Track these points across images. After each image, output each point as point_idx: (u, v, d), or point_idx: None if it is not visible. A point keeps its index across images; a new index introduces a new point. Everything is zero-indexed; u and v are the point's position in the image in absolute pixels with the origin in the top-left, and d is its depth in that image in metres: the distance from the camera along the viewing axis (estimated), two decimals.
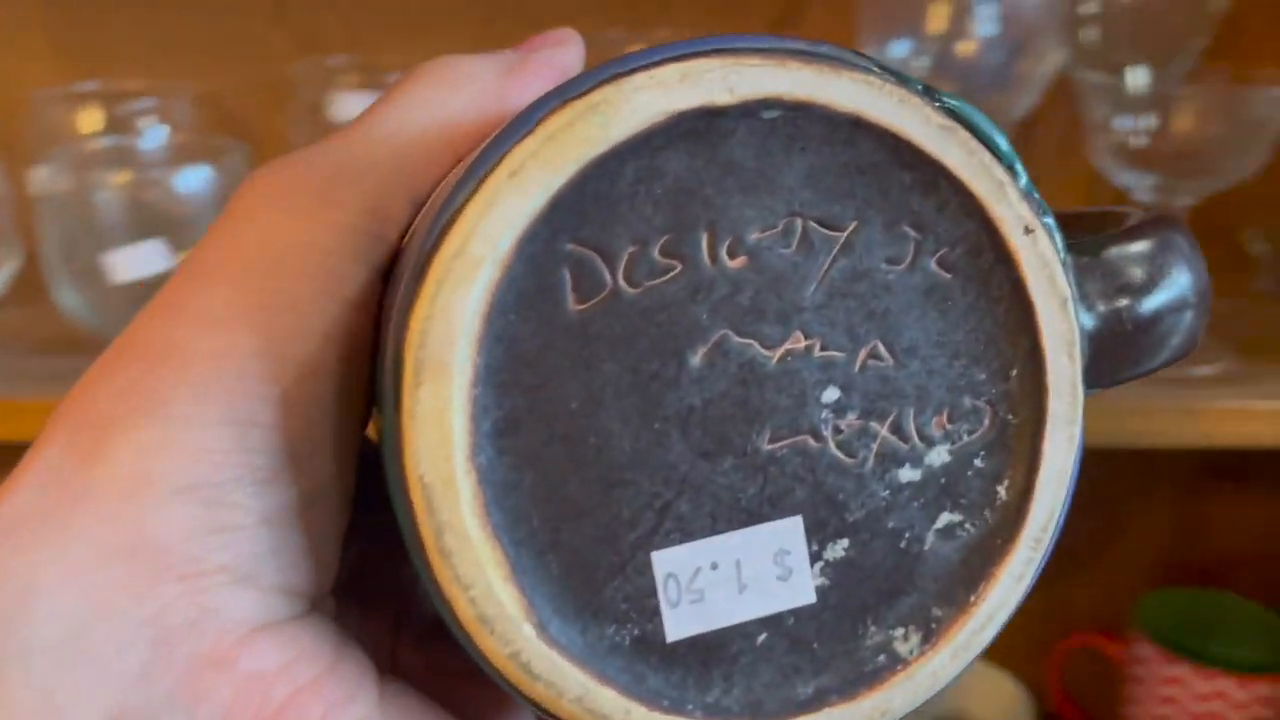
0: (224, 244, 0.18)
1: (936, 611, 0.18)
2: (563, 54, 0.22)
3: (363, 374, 0.18)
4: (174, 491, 0.17)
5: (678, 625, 0.17)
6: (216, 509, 0.17)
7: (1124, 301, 0.19)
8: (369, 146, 0.20)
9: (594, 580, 0.17)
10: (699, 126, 0.16)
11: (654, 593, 0.17)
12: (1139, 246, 0.19)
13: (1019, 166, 0.17)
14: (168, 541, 0.17)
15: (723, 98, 0.16)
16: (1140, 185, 0.58)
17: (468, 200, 0.16)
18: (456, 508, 0.16)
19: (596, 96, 0.16)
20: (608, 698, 0.17)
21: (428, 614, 0.23)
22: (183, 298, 0.18)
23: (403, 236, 0.19)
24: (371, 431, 0.20)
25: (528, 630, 0.16)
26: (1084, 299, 0.18)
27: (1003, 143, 0.17)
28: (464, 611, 0.16)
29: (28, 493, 0.17)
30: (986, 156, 0.17)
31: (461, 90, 0.21)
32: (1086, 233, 0.19)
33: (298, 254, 0.18)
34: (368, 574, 0.22)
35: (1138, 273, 0.19)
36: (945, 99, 0.17)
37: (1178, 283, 0.19)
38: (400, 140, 0.20)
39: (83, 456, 0.17)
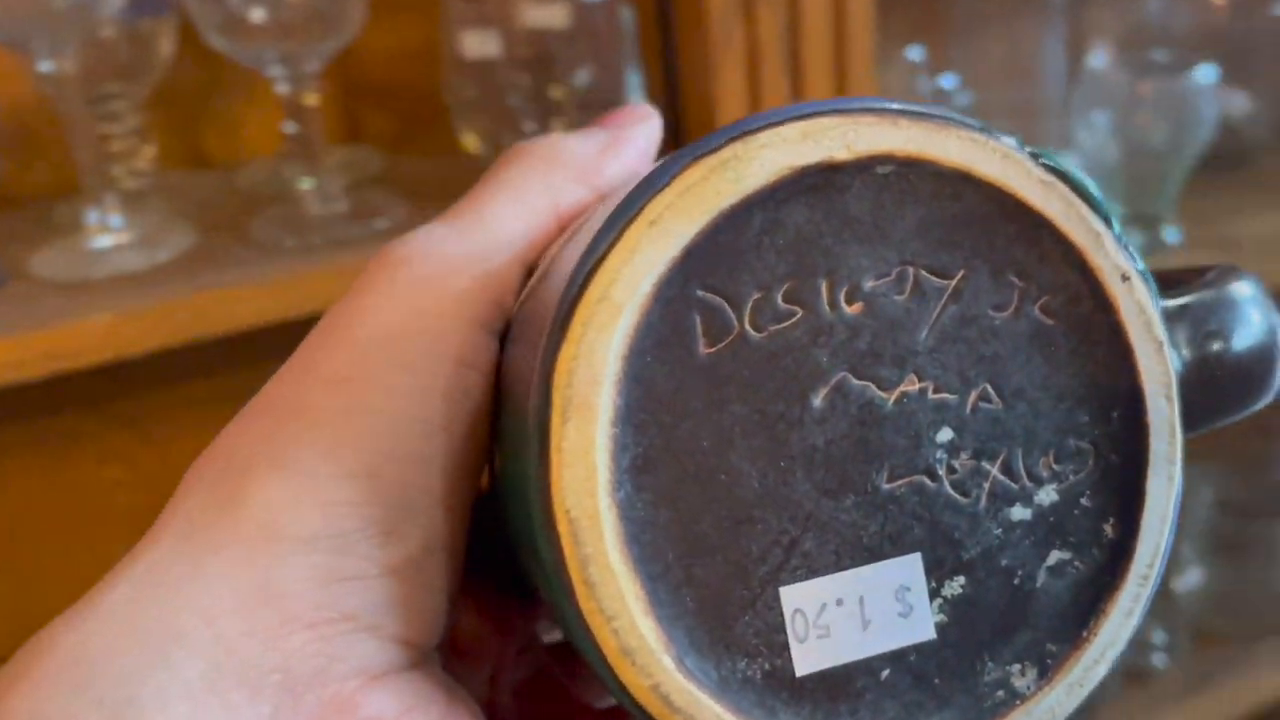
0: (353, 311, 0.20)
1: (1051, 647, 0.18)
2: (647, 129, 0.24)
3: (477, 433, 0.19)
4: (302, 541, 0.17)
5: (806, 660, 0.17)
6: (342, 558, 0.17)
7: (1213, 346, 0.19)
8: (487, 220, 0.21)
9: (726, 615, 0.17)
10: (819, 181, 0.17)
11: (783, 628, 0.17)
12: (1219, 293, 0.20)
13: (1113, 217, 0.18)
14: (296, 590, 0.17)
15: (841, 154, 0.17)
16: None
17: (610, 248, 0.17)
18: (600, 541, 0.16)
19: (727, 153, 0.17)
20: None
21: (523, 674, 0.24)
22: (313, 360, 0.19)
23: (516, 298, 0.20)
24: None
25: (668, 663, 0.16)
26: (1175, 345, 0.19)
27: (1098, 195, 0.18)
28: (607, 643, 0.16)
29: (169, 541, 0.18)
30: (1084, 209, 0.18)
31: (567, 168, 0.23)
32: (1166, 284, 0.20)
33: (420, 319, 0.19)
34: (468, 632, 0.23)
35: (1220, 319, 0.20)
36: (1044, 155, 0.18)
37: (1259, 329, 0.20)
38: (513, 214, 0.21)
39: (220, 507, 0.18)
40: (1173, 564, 0.87)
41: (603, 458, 0.16)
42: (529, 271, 0.21)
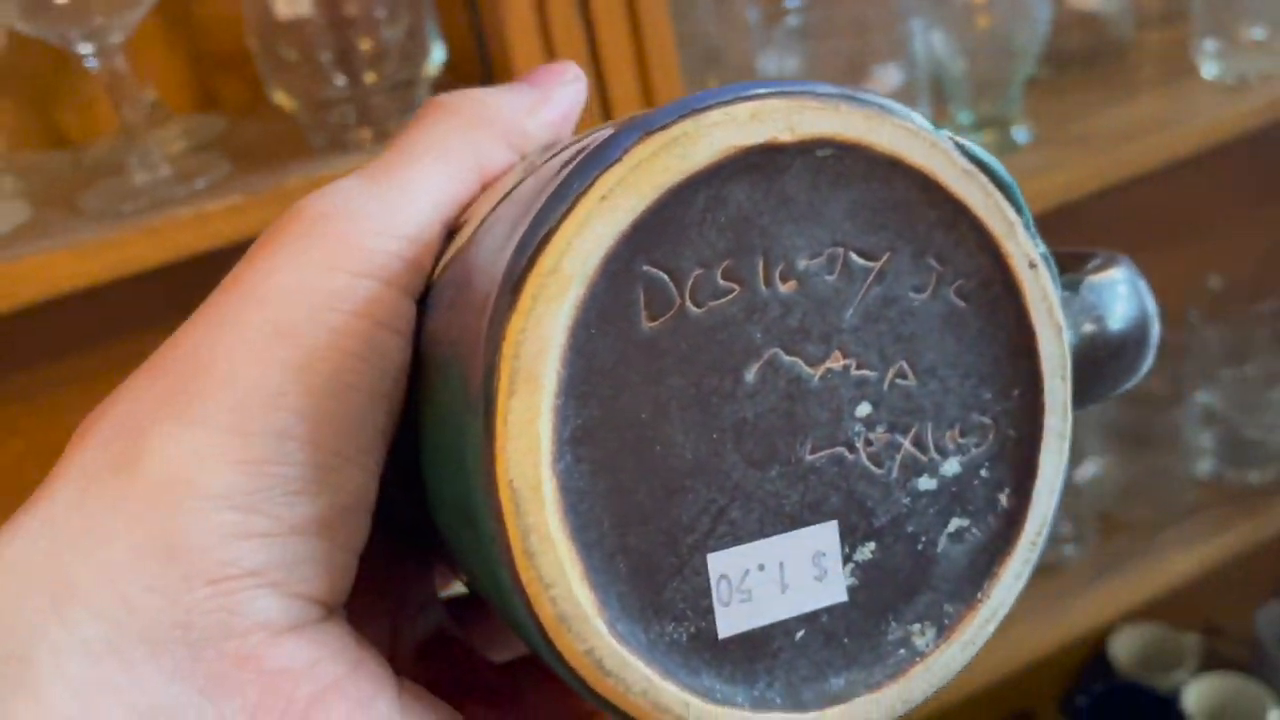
0: (265, 267, 0.19)
1: (949, 608, 0.19)
2: (572, 90, 0.24)
3: (392, 395, 0.19)
4: (209, 498, 0.17)
5: (729, 623, 0.18)
6: (250, 516, 0.17)
7: (1099, 329, 0.21)
8: (408, 179, 0.21)
9: (656, 581, 0.17)
10: (761, 161, 0.17)
11: (708, 593, 0.18)
12: (1108, 281, 0.21)
13: (1024, 206, 0.19)
14: (201, 545, 0.17)
15: (784, 136, 0.17)
16: None
17: (562, 220, 0.17)
18: (541, 511, 0.16)
19: (677, 130, 0.17)
20: (669, 692, 0.17)
21: (422, 631, 0.24)
22: (224, 316, 0.19)
23: (438, 260, 0.20)
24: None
25: (601, 627, 0.17)
26: (1069, 327, 0.20)
27: (1013, 185, 0.19)
28: (544, 610, 0.17)
29: (64, 495, 0.17)
30: (1000, 198, 0.19)
31: (492, 126, 0.22)
32: (1059, 268, 0.21)
33: (335, 278, 0.19)
34: (368, 589, 0.23)
35: (1107, 304, 0.21)
36: (969, 147, 0.19)
37: (1138, 312, 0.21)
38: (434, 173, 0.21)
39: (120, 462, 0.18)
40: (1077, 454, 0.89)
41: (546, 429, 0.16)
42: (451, 232, 0.21)
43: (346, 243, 0.19)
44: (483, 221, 0.20)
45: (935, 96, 0.78)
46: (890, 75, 0.67)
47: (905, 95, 0.70)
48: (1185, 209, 1.04)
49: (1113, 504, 0.96)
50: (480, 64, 0.62)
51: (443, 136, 0.21)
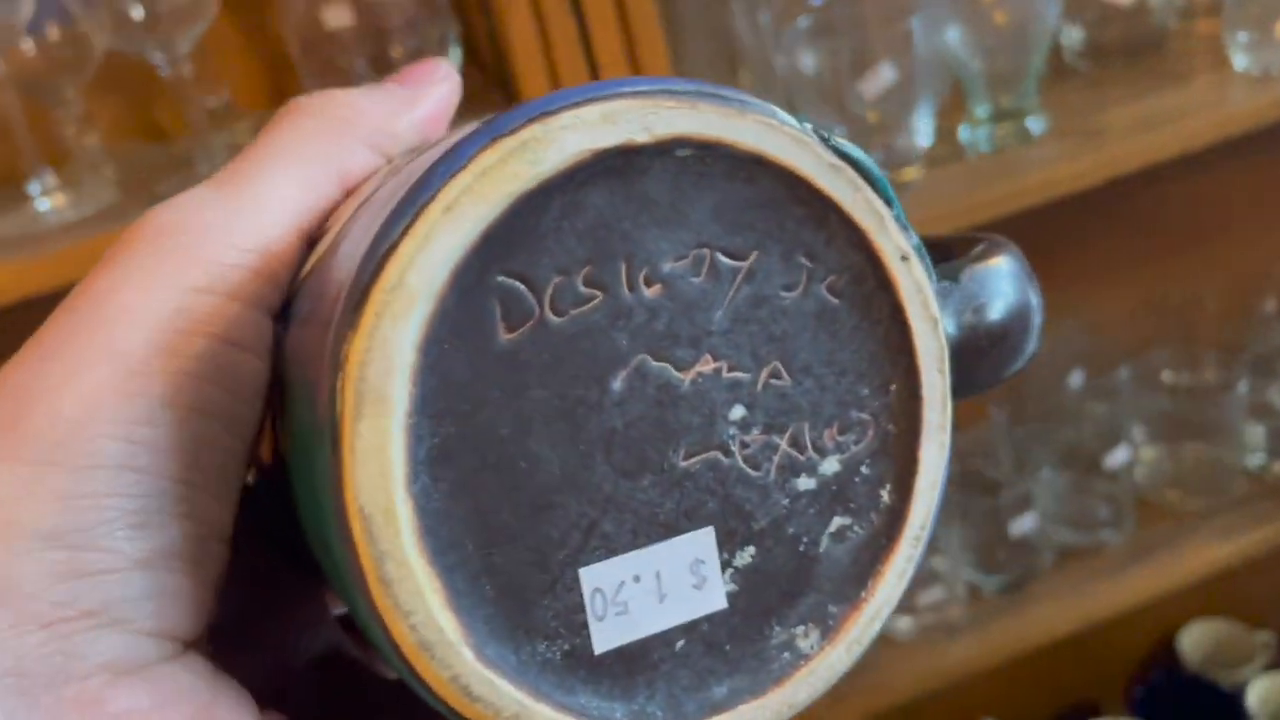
0: (101, 288, 0.18)
1: (832, 609, 0.19)
2: (442, 90, 0.23)
3: (249, 416, 0.19)
4: (39, 537, 0.16)
5: (604, 638, 0.18)
6: (85, 553, 0.17)
7: (979, 318, 0.20)
8: (261, 187, 0.19)
9: (526, 600, 0.17)
10: (618, 164, 0.17)
11: (582, 608, 0.17)
12: (986, 267, 0.21)
13: (894, 199, 0.19)
14: (31, 588, 0.16)
15: (640, 137, 0.17)
16: None
17: (404, 234, 0.16)
18: (396, 537, 0.16)
19: (526, 134, 0.16)
20: (542, 713, 0.17)
21: (315, 649, 0.23)
22: (56, 343, 0.18)
23: (297, 273, 0.20)
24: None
25: (467, 653, 0.17)
26: (946, 318, 0.20)
27: (882, 178, 0.19)
28: (404, 638, 0.16)
29: None
30: (869, 192, 0.18)
31: (354, 128, 0.21)
32: (934, 257, 0.21)
33: (180, 296, 0.18)
34: (251, 612, 0.22)
35: (988, 292, 0.21)
36: (834, 140, 0.19)
37: (1020, 298, 0.21)
38: (290, 180, 0.20)
39: None
40: (1111, 438, 0.90)
41: (398, 452, 0.16)
42: (311, 242, 0.20)
43: (192, 257, 0.18)
44: (340, 231, 0.19)
45: (952, 90, 0.81)
46: (892, 72, 0.71)
47: (908, 91, 0.73)
48: (1250, 199, 1.02)
49: (1156, 491, 0.96)
50: (497, 70, 0.69)
51: (299, 140, 0.20)
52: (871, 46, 0.73)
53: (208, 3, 0.65)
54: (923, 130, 0.74)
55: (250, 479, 0.20)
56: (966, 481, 0.91)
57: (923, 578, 0.89)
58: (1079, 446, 0.93)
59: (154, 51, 0.64)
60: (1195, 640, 1.12)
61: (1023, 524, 0.89)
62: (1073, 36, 0.87)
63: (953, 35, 0.76)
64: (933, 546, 0.89)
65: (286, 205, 0.20)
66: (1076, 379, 0.96)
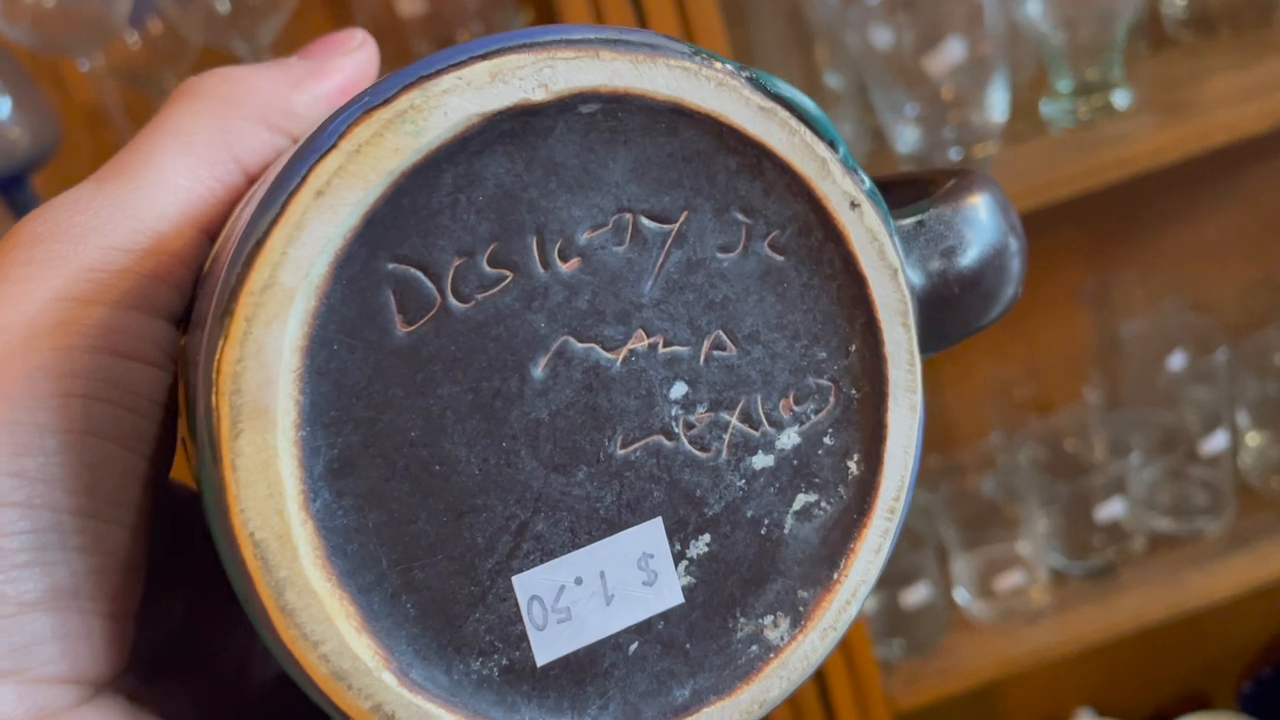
0: None
1: (803, 594, 0.17)
2: (354, 59, 0.21)
3: (147, 433, 0.17)
4: None
5: (547, 648, 0.16)
6: None
7: (949, 263, 0.18)
8: (147, 177, 0.18)
9: (454, 615, 0.16)
10: (515, 127, 0.15)
11: (519, 618, 0.16)
12: (955, 206, 0.19)
13: (839, 140, 0.17)
14: None
15: (537, 95, 0.15)
16: None
17: (272, 226, 0.15)
18: (295, 562, 0.15)
19: (402, 103, 0.15)
20: None
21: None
22: None
23: (199, 272, 0.18)
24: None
25: (388, 679, 0.15)
26: (912, 266, 0.18)
27: (822, 118, 0.17)
28: (316, 669, 0.15)
29: None
30: (808, 134, 0.17)
31: (243, 106, 0.19)
32: (901, 196, 0.19)
33: (54, 308, 0.16)
34: (199, 637, 0.21)
35: (957, 233, 0.18)
36: (763, 79, 0.17)
37: (994, 239, 0.19)
38: (179, 167, 0.18)
39: None
40: (1209, 423, 0.87)
41: (289, 467, 0.15)
42: (214, 237, 0.18)
43: (69, 265, 0.17)
44: (232, 222, 0.17)
45: (1036, 64, 0.79)
46: (961, 47, 0.70)
47: (981, 66, 0.72)
48: None
49: (1260, 479, 0.92)
50: None
51: (187, 124, 0.19)
52: (944, 21, 0.72)
53: None
54: (998, 106, 0.73)
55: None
56: (1054, 464, 0.89)
57: (1002, 561, 0.87)
58: (1178, 431, 0.90)
59: (238, 42, 0.69)
60: None
61: (1111, 509, 0.87)
62: (1174, 5, 0.83)
63: (1034, 8, 0.74)
64: (1015, 529, 0.88)
65: (176, 196, 0.18)
66: (1178, 361, 0.92)
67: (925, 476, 0.92)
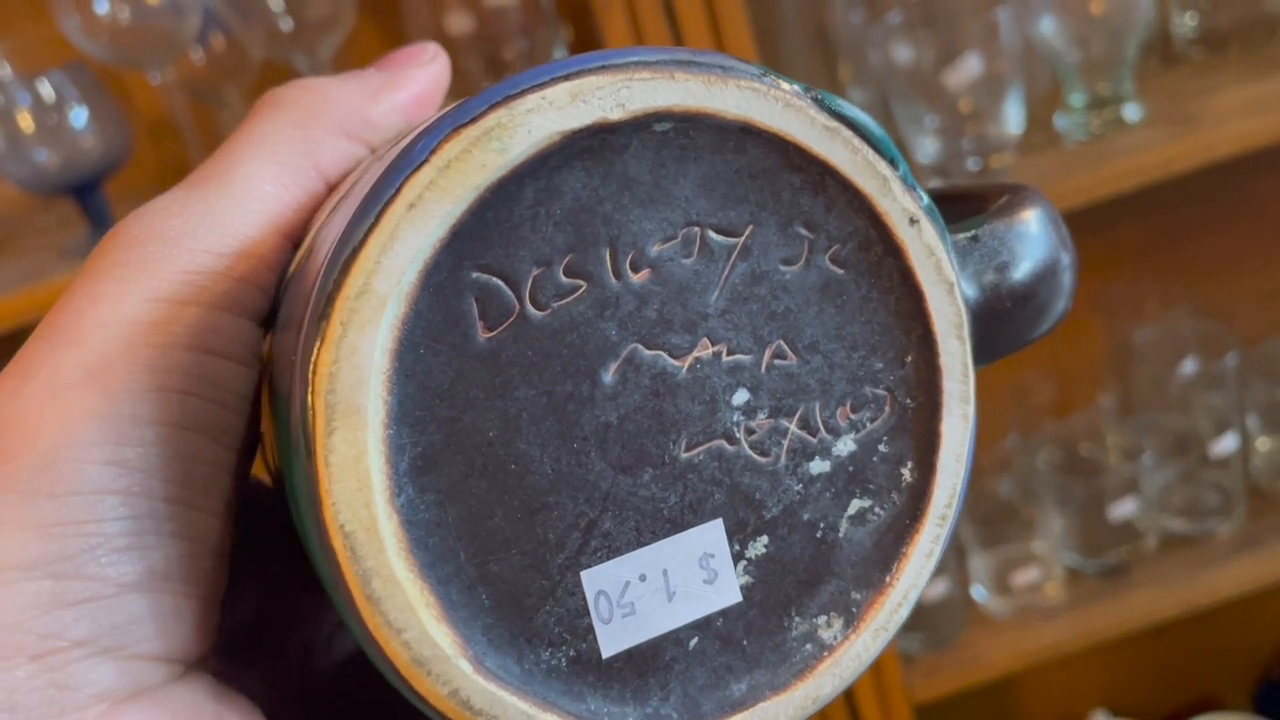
0: (77, 305, 0.17)
1: (855, 595, 0.18)
2: (428, 72, 0.21)
3: (235, 426, 0.18)
4: (19, 569, 0.16)
5: (612, 641, 0.17)
6: (70, 582, 0.16)
7: (1000, 277, 0.19)
8: (234, 184, 0.19)
9: (526, 607, 0.16)
10: (593, 144, 0.16)
11: (586, 612, 0.17)
12: (1008, 222, 0.19)
13: (899, 159, 0.17)
14: (16, 620, 0.16)
15: (614, 114, 0.16)
16: None
17: (367, 235, 0.15)
18: (381, 553, 0.15)
19: (489, 121, 0.16)
20: None
21: (340, 651, 0.23)
22: (34, 365, 0.17)
23: (283, 275, 0.19)
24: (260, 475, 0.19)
25: (465, 666, 0.16)
26: (966, 280, 0.18)
27: (884, 138, 0.17)
28: (398, 655, 0.16)
29: None
30: (870, 153, 0.17)
31: (323, 116, 0.20)
32: (956, 211, 0.19)
33: (152, 310, 0.17)
34: (270, 623, 0.22)
35: (1010, 249, 0.19)
36: (828, 100, 0.17)
37: (1047, 254, 0.19)
38: (265, 175, 0.19)
39: None
40: (1220, 425, 0.90)
41: (377, 464, 0.15)
42: (296, 241, 0.19)
43: (165, 267, 0.17)
44: (318, 229, 0.18)
45: (1050, 79, 0.83)
46: (979, 62, 0.73)
47: (997, 80, 0.76)
48: None
49: (1271, 482, 0.95)
50: None
51: (271, 133, 0.19)
52: (962, 38, 0.76)
53: (347, 13, 0.73)
54: (1014, 119, 0.77)
55: (268, 481, 0.20)
56: (1069, 466, 0.93)
57: (1018, 559, 0.91)
58: (1189, 435, 0.93)
59: (299, 58, 0.73)
60: None
61: (1125, 509, 0.90)
62: (1185, 24, 0.87)
63: (1047, 25, 0.78)
64: (1031, 528, 0.91)
65: (263, 203, 0.19)
66: (1190, 366, 0.96)
67: None
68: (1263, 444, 0.95)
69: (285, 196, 0.19)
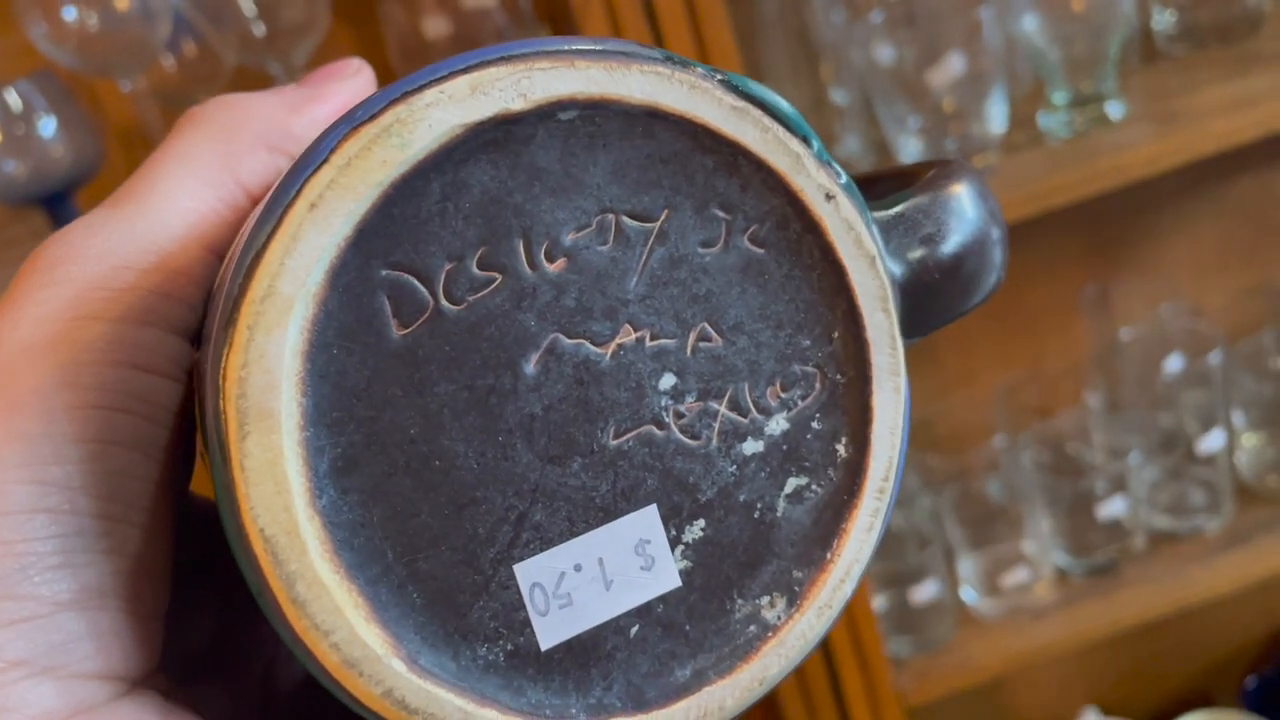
0: (3, 326, 0.17)
1: (797, 574, 0.18)
2: (352, 85, 0.22)
3: (167, 441, 0.18)
4: None
5: (550, 633, 0.17)
6: (3, 602, 0.16)
7: (927, 250, 0.19)
8: (154, 201, 0.19)
9: (459, 604, 0.16)
10: (497, 136, 0.16)
11: (522, 605, 0.17)
12: (933, 196, 0.19)
13: (812, 136, 0.17)
14: None
15: (516, 104, 0.16)
16: None
17: (270, 238, 0.15)
18: (304, 556, 0.15)
19: (388, 118, 0.16)
20: (489, 718, 0.16)
21: (298, 673, 0.22)
22: None
23: (210, 289, 0.19)
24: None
25: (398, 666, 0.16)
26: (892, 254, 0.19)
27: (795, 116, 0.17)
28: (328, 658, 0.16)
29: None
30: (781, 131, 0.17)
31: (243, 130, 0.20)
32: (888, 190, 0.19)
33: (78, 326, 0.17)
34: (230, 641, 0.22)
35: (935, 221, 0.19)
36: (736, 81, 0.17)
37: (973, 226, 0.19)
38: (185, 191, 0.19)
39: None
40: (1206, 421, 0.90)
41: (295, 466, 0.15)
42: (222, 255, 0.19)
43: (84, 286, 0.18)
44: (237, 240, 0.18)
45: (1034, 78, 0.83)
46: (961, 62, 0.73)
47: (980, 79, 0.75)
48: None
49: (1257, 478, 0.95)
50: None
51: (190, 149, 0.20)
52: (944, 38, 0.75)
53: (321, 18, 0.72)
54: (997, 117, 0.76)
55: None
56: (1057, 466, 0.92)
57: (1007, 559, 0.90)
58: (1176, 432, 0.93)
59: (273, 64, 0.72)
60: None
61: (1112, 508, 0.90)
62: (1165, 20, 0.87)
63: (1030, 24, 0.78)
64: (1019, 529, 0.91)
65: (183, 217, 0.19)
66: (1175, 364, 0.96)
67: (931, 479, 0.95)
68: (1248, 440, 0.95)
69: (205, 210, 0.19)
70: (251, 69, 0.73)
